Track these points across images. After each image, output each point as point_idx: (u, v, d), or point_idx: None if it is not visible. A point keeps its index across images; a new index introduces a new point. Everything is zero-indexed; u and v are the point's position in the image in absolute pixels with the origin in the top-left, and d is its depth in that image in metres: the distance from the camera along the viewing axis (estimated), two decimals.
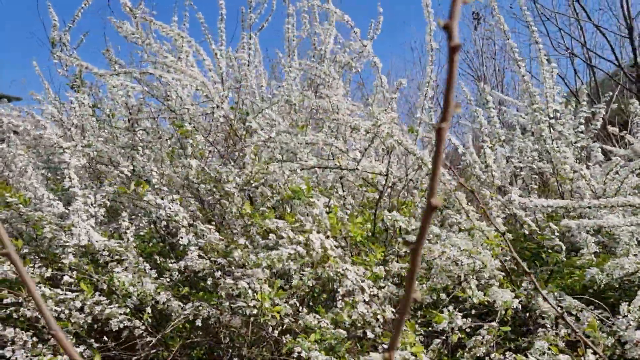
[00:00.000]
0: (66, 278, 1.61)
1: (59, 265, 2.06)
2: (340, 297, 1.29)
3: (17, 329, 1.81)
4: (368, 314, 1.26)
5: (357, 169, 1.75)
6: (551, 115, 2.80)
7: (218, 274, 1.66)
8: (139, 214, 2.37)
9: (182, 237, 1.67)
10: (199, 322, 1.43)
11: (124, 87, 2.23)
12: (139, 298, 1.87)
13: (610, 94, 3.31)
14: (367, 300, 1.27)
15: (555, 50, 8.50)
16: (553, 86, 2.88)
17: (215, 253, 1.67)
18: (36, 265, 1.79)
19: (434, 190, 0.43)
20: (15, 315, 1.76)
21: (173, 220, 1.64)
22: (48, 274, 1.74)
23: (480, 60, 10.79)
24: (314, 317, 1.38)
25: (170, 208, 1.64)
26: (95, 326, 1.93)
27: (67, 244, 1.64)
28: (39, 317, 1.75)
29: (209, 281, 1.65)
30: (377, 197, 1.91)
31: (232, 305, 1.41)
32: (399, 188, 2.02)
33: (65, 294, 1.54)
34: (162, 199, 1.71)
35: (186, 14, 2.51)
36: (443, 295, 1.54)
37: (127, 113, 2.26)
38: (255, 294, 1.35)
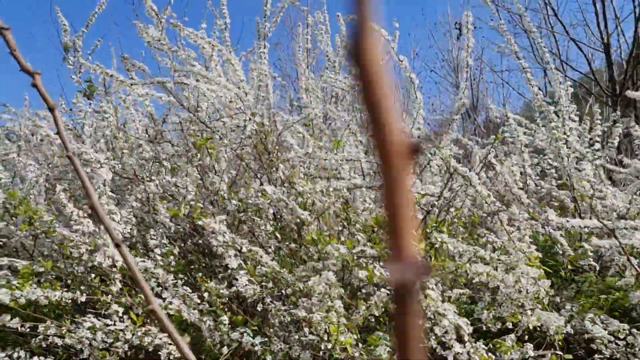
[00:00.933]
0: (114, 307, 1.50)
1: (75, 285, 1.94)
2: (434, 337, 1.24)
3: (40, 357, 1.69)
4: (463, 353, 1.21)
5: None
6: (568, 134, 2.82)
7: (268, 300, 1.58)
8: (160, 230, 2.26)
9: (230, 261, 1.58)
10: (269, 358, 1.35)
11: (150, 97, 2.12)
12: (179, 322, 1.78)
13: (621, 114, 3.38)
14: (465, 339, 1.22)
15: (537, 63, 8.70)
16: (569, 105, 2.91)
17: (265, 278, 1.59)
18: (63, 290, 1.66)
19: None
20: (44, 344, 1.63)
21: (228, 246, 1.55)
22: (82, 299, 1.62)
23: (454, 70, 10.96)
24: (384, 349, 1.32)
25: (226, 234, 1.55)
26: (129, 353, 1.82)
27: (114, 270, 1.53)
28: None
29: (259, 307, 1.57)
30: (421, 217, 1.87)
31: (301, 338, 1.33)
32: (438, 207, 1.98)
33: (115, 324, 1.44)
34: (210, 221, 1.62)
35: (217, 21, 2.41)
36: (509, 324, 1.50)
37: (152, 124, 2.15)
38: (327, 326, 1.28)
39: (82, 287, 1.87)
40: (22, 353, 1.76)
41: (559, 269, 2.48)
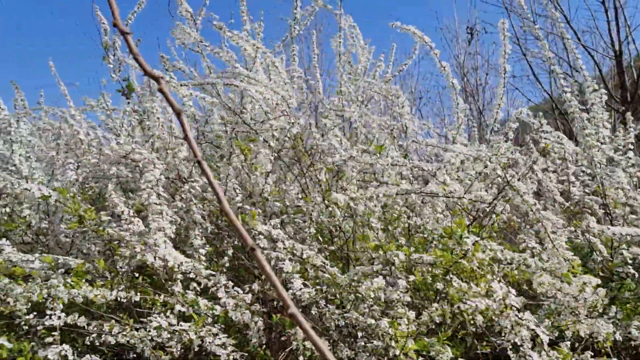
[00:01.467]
0: (178, 307, 1.50)
1: (116, 284, 1.94)
2: (510, 346, 1.24)
3: (92, 356, 1.69)
4: None
5: (463, 197, 1.70)
6: (602, 141, 2.82)
7: (322, 302, 1.59)
8: (200, 230, 2.26)
9: (284, 265, 1.58)
10: None
11: (193, 98, 2.12)
12: (223, 322, 1.78)
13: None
14: (545, 350, 1.22)
15: (548, 68, 8.71)
16: (602, 112, 2.91)
17: (318, 281, 1.59)
18: (119, 289, 1.67)
19: None
20: (97, 342, 1.64)
21: (289, 251, 1.55)
22: (137, 298, 1.62)
23: (461, 74, 10.96)
24: (447, 356, 1.32)
25: (285, 240, 1.55)
26: (178, 353, 1.82)
27: (176, 270, 1.54)
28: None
29: (314, 311, 1.57)
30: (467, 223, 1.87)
31: (366, 344, 1.34)
32: (484, 214, 1.99)
33: (180, 325, 1.44)
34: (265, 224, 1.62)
35: (261, 23, 2.42)
36: (568, 333, 1.50)
37: (194, 125, 2.16)
38: (394, 332, 1.28)
39: (123, 286, 1.87)
40: (70, 351, 1.76)
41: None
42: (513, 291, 1.34)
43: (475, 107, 10.35)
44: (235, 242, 2.41)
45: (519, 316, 1.25)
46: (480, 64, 10.49)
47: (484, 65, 10.33)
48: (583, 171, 2.84)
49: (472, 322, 1.29)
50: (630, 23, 8.36)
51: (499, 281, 1.36)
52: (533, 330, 1.24)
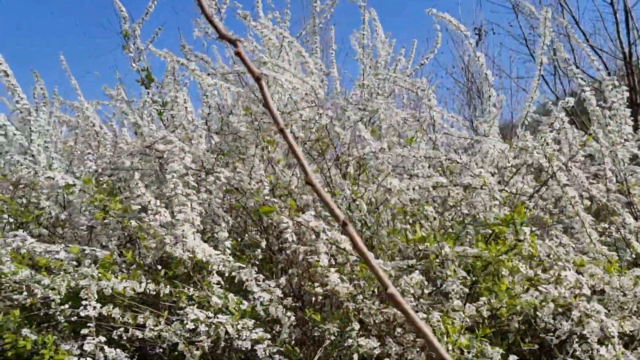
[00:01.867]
0: (215, 299, 1.44)
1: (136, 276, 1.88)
2: (581, 341, 1.18)
3: (117, 350, 1.63)
4: None
5: (504, 189, 1.65)
6: (625, 138, 2.77)
7: (360, 297, 1.53)
8: (222, 224, 2.20)
9: (321, 258, 1.52)
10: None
11: (216, 87, 2.07)
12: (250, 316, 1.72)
13: None
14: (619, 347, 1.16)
15: (559, 69, 8.66)
16: (625, 109, 2.86)
17: (355, 276, 1.54)
18: (147, 281, 1.61)
19: None
20: (124, 337, 1.58)
21: (332, 243, 1.49)
22: (166, 291, 1.56)
23: (466, 75, 10.92)
24: (497, 352, 1.27)
25: (327, 231, 1.49)
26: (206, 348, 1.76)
27: (211, 260, 1.48)
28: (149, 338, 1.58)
29: (351, 306, 1.52)
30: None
31: (415, 339, 1.28)
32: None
33: (217, 317, 1.38)
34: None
35: (287, 11, 2.36)
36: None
37: (219, 116, 2.10)
38: (445, 327, 1.22)
39: (145, 279, 1.81)
40: (91, 346, 1.69)
41: None
42: (583, 279, 1.28)
43: (481, 107, 10.28)
44: (256, 236, 2.35)
45: (588, 307, 1.20)
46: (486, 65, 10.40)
47: (489, 67, 10.25)
48: (611, 169, 2.78)
49: (543, 309, 1.23)
50: (638, 26, 8.32)
51: (569, 269, 1.30)
52: (602, 321, 1.18)
